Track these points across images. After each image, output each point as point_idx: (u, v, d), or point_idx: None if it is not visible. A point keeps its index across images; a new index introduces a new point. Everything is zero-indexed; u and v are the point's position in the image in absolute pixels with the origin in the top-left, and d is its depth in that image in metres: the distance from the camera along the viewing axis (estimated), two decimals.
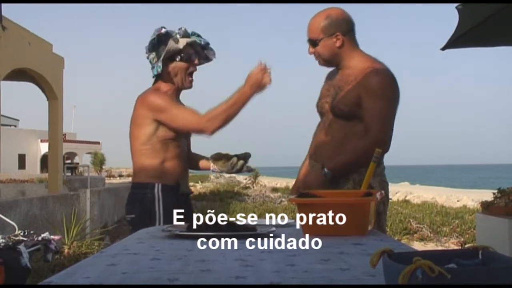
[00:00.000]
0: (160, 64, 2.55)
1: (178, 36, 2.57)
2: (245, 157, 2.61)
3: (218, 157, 2.67)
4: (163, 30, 2.56)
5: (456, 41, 4.19)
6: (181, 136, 2.62)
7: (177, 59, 2.58)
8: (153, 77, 2.61)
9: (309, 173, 2.39)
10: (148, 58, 2.60)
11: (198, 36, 2.63)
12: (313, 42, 2.30)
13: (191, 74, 2.64)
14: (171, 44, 2.54)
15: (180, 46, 2.55)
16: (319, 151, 2.38)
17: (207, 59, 2.68)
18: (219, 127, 2.49)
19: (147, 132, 2.55)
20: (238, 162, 2.58)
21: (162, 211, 2.53)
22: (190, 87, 2.66)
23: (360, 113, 2.25)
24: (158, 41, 2.55)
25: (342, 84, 2.30)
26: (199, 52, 2.64)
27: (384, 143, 2.23)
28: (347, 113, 2.28)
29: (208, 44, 2.65)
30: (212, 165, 2.69)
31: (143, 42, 2.60)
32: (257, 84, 2.40)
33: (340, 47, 2.27)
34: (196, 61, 2.64)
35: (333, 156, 2.29)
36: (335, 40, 2.25)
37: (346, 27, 2.27)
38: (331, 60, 2.32)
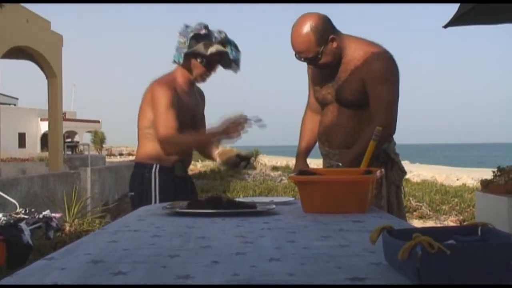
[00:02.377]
0: (182, 56, 2.59)
1: (214, 40, 2.57)
2: (247, 157, 2.65)
3: (223, 153, 2.74)
4: (202, 32, 2.55)
5: (459, 19, 4.16)
6: (187, 126, 2.64)
7: (198, 60, 2.60)
8: (173, 62, 2.62)
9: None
10: (178, 38, 2.59)
11: (235, 47, 2.62)
12: (313, 59, 2.25)
13: (207, 76, 2.67)
14: (199, 47, 2.56)
15: (207, 53, 2.56)
16: (332, 138, 2.37)
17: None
18: (173, 151, 2.62)
19: (150, 117, 2.61)
20: (241, 163, 2.65)
21: (158, 191, 2.61)
22: (203, 82, 2.71)
23: (367, 100, 2.24)
24: (195, 36, 2.55)
25: (342, 74, 2.28)
26: (225, 62, 2.63)
27: (390, 127, 2.24)
28: (354, 103, 2.28)
29: (237, 60, 2.64)
30: (217, 159, 2.77)
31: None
32: (227, 134, 2.49)
33: (337, 46, 2.24)
34: (214, 71, 2.66)
35: (346, 142, 2.30)
36: (331, 43, 2.22)
37: (330, 26, 2.24)
38: (334, 61, 2.28)
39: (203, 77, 2.66)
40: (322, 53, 2.21)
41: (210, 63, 2.61)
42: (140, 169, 2.67)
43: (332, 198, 1.73)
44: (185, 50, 2.56)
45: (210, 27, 2.58)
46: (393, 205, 2.33)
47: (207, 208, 1.76)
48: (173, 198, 2.26)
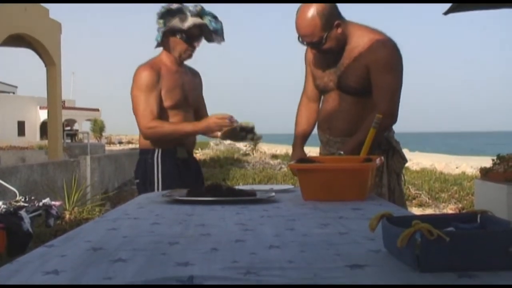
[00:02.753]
0: (160, 35, 2.56)
1: (189, 13, 2.53)
2: (248, 128, 2.55)
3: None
4: (174, 6, 2.51)
5: (459, 6, 4.15)
6: (180, 105, 2.61)
7: (178, 37, 2.56)
8: (155, 46, 2.60)
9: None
10: (156, 19, 2.57)
11: (214, 17, 2.57)
12: (317, 44, 2.23)
13: (190, 51, 2.61)
14: (175, 21, 2.52)
15: (184, 26, 2.52)
16: (334, 126, 2.36)
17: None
18: (154, 139, 2.59)
19: None
20: (247, 135, 2.52)
21: (161, 177, 2.58)
22: (189, 58, 2.65)
23: (370, 87, 2.24)
24: (168, 12, 2.52)
25: (345, 61, 2.27)
26: (206, 34, 2.60)
27: (393, 116, 2.24)
28: (357, 90, 2.27)
29: (217, 30, 2.59)
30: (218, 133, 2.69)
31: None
32: (209, 129, 2.49)
33: (342, 32, 2.23)
34: (197, 44, 2.60)
35: (348, 130, 2.30)
36: (336, 29, 2.20)
37: (336, 12, 2.22)
38: (338, 47, 2.27)
39: (187, 53, 2.60)
40: (326, 38, 2.19)
41: (191, 38, 2.56)
42: (143, 155, 2.66)
43: (331, 186, 1.73)
44: (161, 30, 2.53)
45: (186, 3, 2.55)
46: (394, 193, 2.34)
47: (206, 196, 1.76)
48: (177, 183, 2.25)
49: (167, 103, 2.56)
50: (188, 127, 2.58)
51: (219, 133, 2.54)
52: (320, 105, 2.50)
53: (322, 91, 2.43)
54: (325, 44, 2.21)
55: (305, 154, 2.50)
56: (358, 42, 2.23)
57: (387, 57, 2.19)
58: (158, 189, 2.53)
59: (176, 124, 2.58)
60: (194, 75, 2.77)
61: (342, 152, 2.20)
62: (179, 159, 2.63)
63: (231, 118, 2.43)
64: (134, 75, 2.57)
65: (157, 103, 2.53)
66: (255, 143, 19.92)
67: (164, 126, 2.54)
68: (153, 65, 2.57)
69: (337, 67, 2.30)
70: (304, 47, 2.41)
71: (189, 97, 2.66)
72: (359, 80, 2.24)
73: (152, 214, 1.50)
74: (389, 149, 2.35)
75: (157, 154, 2.60)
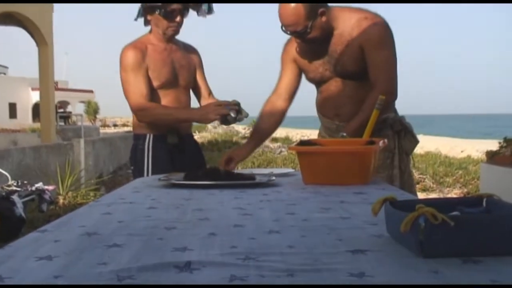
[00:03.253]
0: (139, 12, 2.54)
1: None
2: (239, 104, 2.49)
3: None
4: None
5: None
6: (170, 84, 2.57)
7: (157, 12, 2.52)
8: (145, 25, 2.58)
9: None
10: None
11: None
12: (302, 33, 2.20)
13: (173, 27, 2.55)
14: None
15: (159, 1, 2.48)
16: (342, 112, 2.35)
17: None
18: (146, 122, 2.56)
19: None
20: (227, 117, 2.46)
21: (151, 163, 2.56)
22: (175, 34, 2.59)
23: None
24: None
25: (337, 47, 2.25)
26: (187, 7, 2.55)
27: (393, 92, 2.24)
28: (357, 74, 2.26)
29: (200, 2, 2.55)
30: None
31: None
32: (206, 118, 2.42)
33: (326, 20, 2.21)
34: (180, 19, 2.54)
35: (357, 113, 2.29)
36: (320, 18, 2.18)
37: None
38: (323, 35, 2.25)
39: (170, 30, 2.53)
40: (311, 27, 2.17)
41: (170, 13, 2.51)
42: (135, 140, 2.64)
43: (333, 169, 1.73)
44: (142, 6, 2.51)
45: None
46: (404, 174, 2.34)
47: (204, 180, 1.76)
48: (168, 170, 2.23)
49: (155, 83, 2.52)
50: (182, 114, 2.53)
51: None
52: (317, 94, 2.48)
53: (319, 82, 2.42)
54: (310, 34, 2.19)
55: (246, 154, 2.50)
56: (347, 25, 2.21)
57: (379, 34, 2.19)
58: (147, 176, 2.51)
59: (169, 109, 2.53)
60: (189, 52, 2.70)
61: (344, 134, 2.20)
62: (170, 144, 2.60)
63: (229, 105, 2.36)
64: (120, 56, 2.54)
65: (146, 83, 2.50)
66: (253, 126, 19.91)
67: (156, 109, 2.51)
68: (137, 44, 2.54)
69: (330, 55, 2.28)
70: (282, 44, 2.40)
71: (179, 76, 2.60)
72: (356, 63, 2.23)
73: (148, 199, 1.51)
74: (401, 130, 2.35)
75: (148, 140, 2.58)
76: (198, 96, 2.75)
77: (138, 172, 2.57)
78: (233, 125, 2.63)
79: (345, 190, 1.58)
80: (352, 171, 1.73)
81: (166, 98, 2.57)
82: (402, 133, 2.35)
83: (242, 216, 1.21)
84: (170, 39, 2.59)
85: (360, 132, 2.14)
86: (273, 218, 1.18)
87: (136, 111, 2.53)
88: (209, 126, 21.87)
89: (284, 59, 2.45)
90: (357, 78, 2.28)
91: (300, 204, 1.37)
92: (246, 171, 2.18)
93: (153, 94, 2.54)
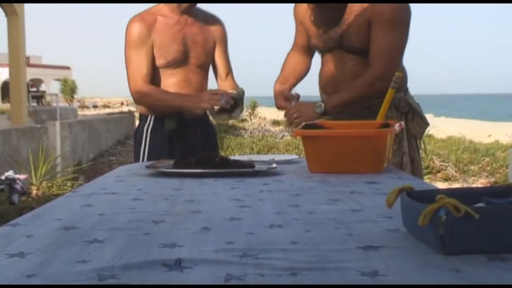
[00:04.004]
0: None
1: None
2: (237, 97, 2.46)
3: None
4: None
5: None
6: (178, 63, 2.55)
7: None
8: None
9: (305, 105, 2.38)
10: None
11: None
12: None
13: None
14: None
15: None
16: (342, 88, 2.36)
17: None
18: (143, 105, 2.62)
19: None
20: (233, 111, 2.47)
21: (148, 148, 2.57)
22: (192, 4, 2.55)
23: None
24: None
25: (346, 16, 2.25)
26: None
27: (387, 79, 2.23)
28: (363, 50, 2.26)
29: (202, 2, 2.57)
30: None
31: None
32: (198, 107, 2.44)
33: None
34: None
35: None
36: None
37: None
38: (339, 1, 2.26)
39: None
40: None
41: None
42: (140, 121, 2.70)
43: (343, 155, 1.74)
44: None
45: None
46: (414, 161, 2.35)
47: (196, 168, 1.77)
48: (164, 157, 2.24)
49: (160, 61, 2.51)
50: (176, 101, 2.53)
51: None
52: (320, 67, 2.50)
53: (321, 50, 2.43)
54: None
55: (287, 90, 2.51)
56: None
57: (391, 12, 2.19)
58: (143, 161, 2.53)
59: (166, 95, 2.54)
60: (209, 25, 2.65)
61: (322, 106, 2.23)
62: (167, 130, 2.60)
63: (226, 97, 2.36)
64: (125, 29, 2.54)
65: (149, 62, 2.50)
66: (253, 107, 19.89)
67: (153, 95, 2.53)
68: (145, 16, 2.51)
69: (338, 26, 2.29)
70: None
71: (191, 53, 2.57)
72: (362, 37, 2.24)
73: (133, 189, 1.51)
74: (408, 111, 2.35)
75: (149, 122, 2.61)
76: (216, 76, 2.73)
77: (136, 155, 2.65)
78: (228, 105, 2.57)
79: (356, 179, 1.58)
80: (363, 157, 1.73)
81: (173, 78, 2.56)
82: (409, 115, 2.36)
83: (239, 208, 1.22)
84: (186, 10, 2.54)
85: (336, 111, 2.23)
86: (275, 210, 1.18)
87: (133, 93, 2.56)
88: None
89: (295, 19, 2.52)
90: (361, 54, 2.28)
91: (305, 195, 1.38)
92: (244, 157, 2.18)
93: (156, 73, 2.54)
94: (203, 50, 2.61)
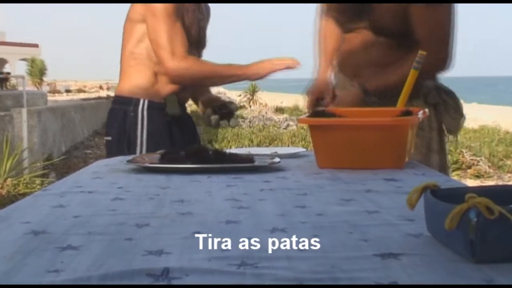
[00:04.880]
0: None
1: None
2: (228, 111, 2.76)
3: (207, 102, 2.86)
4: None
5: None
6: (192, 47, 2.63)
7: None
8: None
9: (345, 94, 2.40)
10: None
11: None
12: None
13: None
14: None
15: None
16: (364, 74, 2.37)
17: None
18: (182, 81, 2.62)
19: (138, 37, 2.60)
20: (213, 117, 2.75)
21: (146, 135, 2.58)
22: None
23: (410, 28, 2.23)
24: None
25: None
26: None
27: (444, 60, 2.24)
28: (391, 32, 2.27)
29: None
30: (200, 107, 2.86)
31: None
32: (260, 74, 2.54)
33: None
34: None
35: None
36: None
37: None
38: None
39: None
40: None
41: None
42: (121, 105, 2.67)
43: (357, 148, 1.74)
44: None
45: None
46: (445, 159, 2.35)
47: (187, 163, 1.77)
48: (167, 147, 2.26)
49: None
50: (236, 69, 2.62)
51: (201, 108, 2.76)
52: (340, 46, 2.52)
53: (343, 24, 2.43)
54: None
55: (330, 77, 2.57)
56: None
57: None
58: (140, 153, 2.53)
59: (215, 66, 2.63)
60: (207, 9, 2.83)
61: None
62: (168, 115, 2.63)
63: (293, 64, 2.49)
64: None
65: (185, 38, 2.56)
66: (252, 92, 19.87)
67: (204, 65, 2.61)
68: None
69: (369, 5, 2.28)
70: None
71: (202, 37, 2.74)
72: (394, 18, 2.24)
73: (113, 187, 1.51)
74: (440, 102, 2.35)
75: (142, 106, 2.62)
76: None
77: (120, 146, 2.60)
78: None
79: (373, 176, 1.59)
80: (381, 150, 1.73)
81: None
82: (440, 107, 2.35)
83: (236, 209, 1.22)
84: None
85: (381, 93, 2.23)
86: (278, 212, 1.18)
87: (174, 67, 2.54)
88: None
89: None
90: (390, 36, 2.28)
91: (313, 194, 1.38)
92: (242, 150, 2.18)
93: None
94: (205, 30, 2.83)
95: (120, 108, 2.67)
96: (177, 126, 2.70)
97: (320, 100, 2.44)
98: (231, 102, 2.68)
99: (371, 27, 2.31)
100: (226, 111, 2.77)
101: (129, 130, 2.61)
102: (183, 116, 2.77)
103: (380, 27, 2.29)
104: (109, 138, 2.67)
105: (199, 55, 2.77)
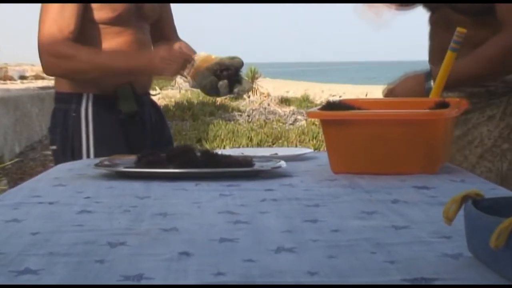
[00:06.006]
0: None
1: None
2: (233, 67, 2.44)
3: (198, 66, 2.50)
4: None
5: None
6: (128, 17, 2.56)
7: None
8: None
9: (410, 79, 2.41)
10: None
11: None
12: None
13: None
14: None
15: None
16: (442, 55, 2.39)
17: None
18: (63, 75, 2.58)
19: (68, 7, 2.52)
20: (219, 84, 2.45)
21: (93, 143, 2.54)
22: None
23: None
24: None
25: None
26: None
27: None
28: (475, 8, 2.29)
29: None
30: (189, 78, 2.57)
31: None
32: (155, 67, 2.47)
33: None
34: None
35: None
36: None
37: None
38: None
39: None
40: None
41: None
42: (62, 103, 2.63)
43: (381, 148, 1.74)
44: None
45: None
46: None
47: (169, 167, 1.77)
48: (121, 153, 2.24)
49: (105, 13, 2.52)
50: (119, 60, 2.54)
51: (188, 77, 2.48)
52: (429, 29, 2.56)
53: (426, 6, 2.47)
54: None
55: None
56: None
57: None
58: None
59: (99, 54, 2.54)
60: None
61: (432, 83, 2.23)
62: (122, 113, 2.58)
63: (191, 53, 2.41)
64: None
65: (79, 13, 2.48)
66: (252, 78, 19.84)
67: (79, 55, 2.49)
68: None
69: None
70: None
71: (144, 4, 2.62)
72: None
73: (79, 197, 1.51)
74: (509, 95, 2.34)
75: (87, 103, 2.57)
76: (157, 35, 2.75)
77: (65, 156, 2.55)
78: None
79: (400, 183, 1.59)
80: (411, 151, 1.73)
81: (118, 39, 2.57)
82: (509, 100, 2.35)
83: (232, 224, 1.22)
84: None
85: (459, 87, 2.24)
86: (283, 228, 1.18)
87: (48, 56, 2.51)
88: (177, 78, 21.78)
89: None
90: (472, 15, 2.30)
91: (327, 205, 1.38)
92: (238, 151, 2.18)
93: (93, 31, 2.53)
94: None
95: (61, 108, 2.62)
96: (138, 127, 2.64)
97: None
98: (231, 58, 2.45)
99: (450, 5, 2.33)
100: (231, 72, 2.44)
101: (72, 135, 2.57)
102: (146, 111, 2.69)
103: (459, 5, 2.30)
104: (54, 147, 2.63)
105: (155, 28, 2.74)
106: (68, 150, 2.56)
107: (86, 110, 2.56)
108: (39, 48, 2.52)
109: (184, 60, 2.41)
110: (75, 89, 2.59)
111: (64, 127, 2.58)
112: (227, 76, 2.38)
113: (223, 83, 2.37)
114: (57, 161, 2.56)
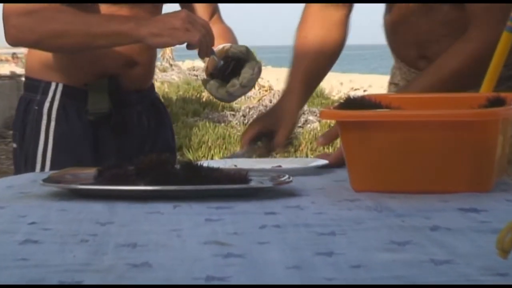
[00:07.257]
0: None
1: None
2: (240, 56, 2.53)
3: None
4: None
5: None
6: None
7: None
8: None
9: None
10: None
11: None
12: None
13: None
14: None
15: None
16: (434, 52, 2.42)
17: None
18: (22, 39, 2.56)
19: None
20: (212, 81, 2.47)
21: (51, 145, 2.56)
22: None
23: None
24: None
25: None
26: None
27: (491, 43, 2.29)
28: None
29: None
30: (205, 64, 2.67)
31: None
32: (150, 32, 2.43)
33: None
34: None
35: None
36: None
37: None
38: None
39: None
40: None
41: None
42: (28, 92, 2.71)
43: (415, 159, 1.74)
44: None
45: None
46: None
47: (139, 183, 1.77)
48: (88, 163, 2.25)
49: None
50: (111, 23, 2.51)
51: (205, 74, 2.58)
52: (386, 20, 2.65)
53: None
54: None
55: (298, 107, 2.64)
56: None
57: None
58: (44, 170, 2.54)
59: (79, 14, 2.53)
60: None
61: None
62: (93, 114, 2.58)
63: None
64: None
65: None
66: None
67: (50, 8, 2.50)
68: None
69: None
70: None
71: None
72: None
73: (22, 222, 1.52)
74: None
75: (53, 95, 2.62)
76: None
77: (26, 159, 2.61)
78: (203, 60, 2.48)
79: (441, 205, 1.60)
80: (455, 163, 1.74)
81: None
82: None
83: (222, 259, 1.22)
84: None
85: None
86: (289, 263, 1.18)
87: (15, 16, 2.51)
88: (158, 63, 21.75)
89: None
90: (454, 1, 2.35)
91: (346, 233, 1.38)
92: (230, 163, 2.19)
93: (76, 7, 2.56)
94: None
95: (26, 97, 2.70)
96: (109, 129, 2.67)
97: (263, 135, 2.50)
98: (238, 46, 2.47)
99: None
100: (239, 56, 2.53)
101: (29, 133, 2.62)
102: (123, 110, 2.72)
103: None
104: (15, 145, 2.69)
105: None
106: (29, 151, 2.61)
107: (51, 104, 2.61)
108: (3, 12, 2.54)
109: (209, 34, 2.43)
110: (43, 76, 2.65)
111: (24, 122, 2.63)
112: (220, 73, 2.48)
113: (212, 84, 2.49)
114: (17, 164, 2.67)
